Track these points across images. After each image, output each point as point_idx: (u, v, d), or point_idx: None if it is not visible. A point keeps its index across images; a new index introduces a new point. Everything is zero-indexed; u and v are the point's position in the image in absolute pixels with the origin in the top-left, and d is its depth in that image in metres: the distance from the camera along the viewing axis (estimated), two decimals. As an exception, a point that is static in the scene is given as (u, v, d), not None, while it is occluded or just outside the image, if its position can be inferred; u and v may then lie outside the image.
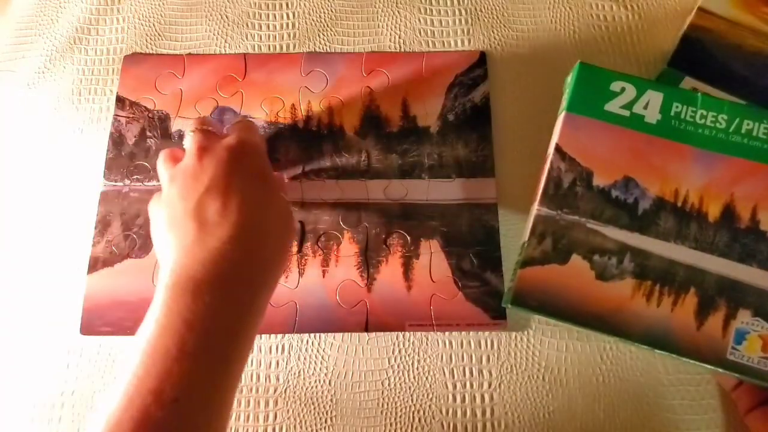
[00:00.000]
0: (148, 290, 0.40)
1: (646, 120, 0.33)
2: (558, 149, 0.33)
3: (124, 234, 0.42)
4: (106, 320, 0.40)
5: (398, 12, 0.49)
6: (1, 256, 0.42)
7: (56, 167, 0.44)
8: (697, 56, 0.42)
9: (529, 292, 0.31)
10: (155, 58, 0.47)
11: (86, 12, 0.49)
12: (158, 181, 0.43)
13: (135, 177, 0.44)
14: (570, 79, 0.36)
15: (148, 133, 0.45)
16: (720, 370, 0.30)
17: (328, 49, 0.47)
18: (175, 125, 0.45)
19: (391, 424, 0.38)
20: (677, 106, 0.34)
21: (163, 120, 0.45)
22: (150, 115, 0.45)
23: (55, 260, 0.42)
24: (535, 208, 0.33)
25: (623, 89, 0.34)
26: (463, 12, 0.49)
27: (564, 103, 0.35)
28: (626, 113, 0.34)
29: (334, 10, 0.49)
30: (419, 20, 0.48)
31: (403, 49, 0.47)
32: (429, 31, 0.48)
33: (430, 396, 0.39)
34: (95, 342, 0.40)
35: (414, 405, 0.39)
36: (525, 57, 0.47)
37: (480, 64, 0.46)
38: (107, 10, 0.49)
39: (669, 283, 0.31)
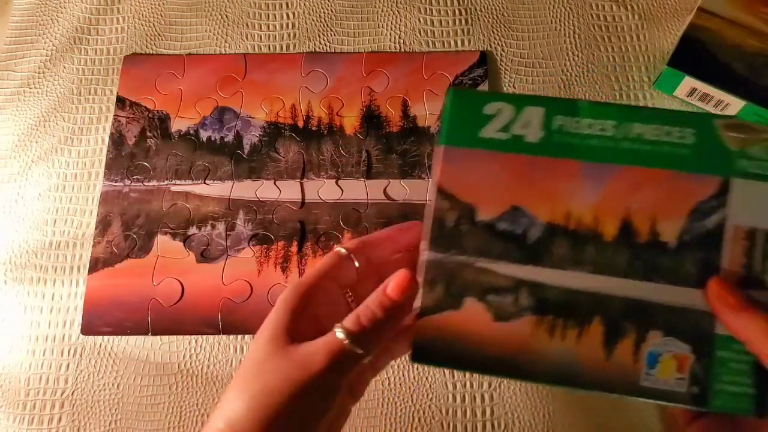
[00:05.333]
0: (148, 290, 0.41)
1: (526, 140, 0.30)
2: (438, 188, 0.30)
3: (124, 234, 0.42)
4: (106, 320, 0.40)
5: (398, 12, 0.49)
6: (1, 257, 0.42)
7: (56, 167, 0.44)
8: (697, 56, 0.42)
9: (428, 345, 0.28)
10: (155, 59, 0.47)
11: (86, 12, 0.49)
12: (158, 181, 0.44)
13: (135, 177, 0.44)
14: (444, 109, 0.32)
15: (148, 134, 0.45)
16: (635, 398, 0.28)
17: (328, 49, 0.47)
18: (175, 125, 0.45)
19: (391, 424, 0.38)
20: (559, 119, 0.30)
21: (163, 120, 0.45)
22: (150, 115, 0.45)
23: (56, 260, 0.42)
24: (425, 254, 0.30)
25: (499, 111, 0.30)
26: (463, 12, 0.48)
27: (439, 136, 0.32)
28: (504, 136, 0.30)
29: (334, 10, 0.49)
30: (419, 20, 0.48)
31: (403, 49, 0.47)
32: (429, 31, 0.48)
33: (430, 396, 0.39)
34: (95, 342, 0.40)
35: (414, 405, 0.39)
36: (525, 57, 0.47)
37: (480, 64, 0.46)
38: (107, 10, 0.49)
39: (571, 314, 0.28)
